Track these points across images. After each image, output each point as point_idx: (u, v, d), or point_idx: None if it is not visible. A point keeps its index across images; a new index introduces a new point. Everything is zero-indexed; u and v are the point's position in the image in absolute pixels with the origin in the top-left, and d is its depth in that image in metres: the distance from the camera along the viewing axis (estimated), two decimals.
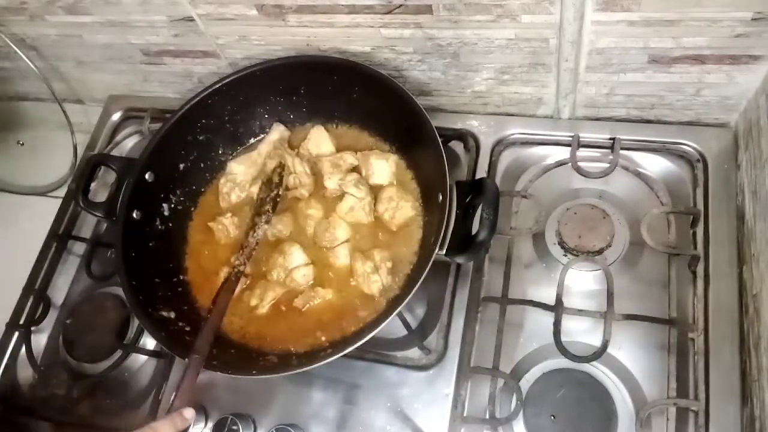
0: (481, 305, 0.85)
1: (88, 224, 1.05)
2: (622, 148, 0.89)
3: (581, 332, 0.81)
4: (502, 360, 0.80)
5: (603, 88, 0.87)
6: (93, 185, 0.96)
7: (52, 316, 0.99)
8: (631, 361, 0.79)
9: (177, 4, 0.88)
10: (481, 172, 0.92)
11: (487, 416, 0.79)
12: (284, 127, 0.95)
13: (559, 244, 0.87)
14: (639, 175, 0.89)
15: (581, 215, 0.87)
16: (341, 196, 0.87)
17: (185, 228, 0.92)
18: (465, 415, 0.79)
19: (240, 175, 0.92)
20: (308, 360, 0.71)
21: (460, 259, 0.80)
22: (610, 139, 0.90)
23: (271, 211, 0.77)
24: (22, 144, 1.23)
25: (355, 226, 0.86)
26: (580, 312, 0.79)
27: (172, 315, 0.81)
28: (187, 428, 0.63)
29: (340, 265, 0.84)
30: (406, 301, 0.70)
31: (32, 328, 0.99)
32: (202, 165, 0.94)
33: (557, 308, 0.79)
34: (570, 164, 0.90)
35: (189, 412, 0.64)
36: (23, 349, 0.97)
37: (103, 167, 0.94)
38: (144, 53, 1.01)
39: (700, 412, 0.73)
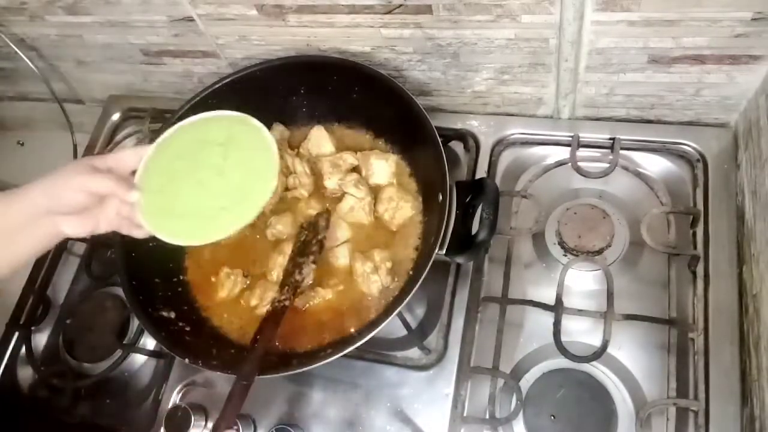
0: (481, 305, 0.85)
1: None
2: (622, 148, 0.89)
3: (581, 332, 0.81)
4: (502, 360, 0.80)
5: (603, 88, 0.87)
6: None
7: (52, 316, 0.99)
8: (631, 361, 0.79)
9: (177, 4, 0.88)
10: (481, 172, 0.92)
11: (487, 416, 0.79)
12: (284, 127, 0.95)
13: (559, 244, 0.87)
14: (639, 175, 0.89)
15: (581, 215, 0.87)
16: (341, 196, 0.87)
17: None
18: (465, 415, 0.79)
19: None
20: (308, 360, 0.71)
21: (460, 259, 0.80)
22: (610, 139, 0.90)
23: (318, 252, 0.80)
24: (22, 144, 1.23)
25: (354, 226, 0.86)
26: (580, 312, 0.79)
27: (172, 315, 0.81)
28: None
29: (339, 265, 0.84)
30: (406, 301, 0.70)
31: (32, 328, 0.99)
32: None
33: (557, 308, 0.79)
34: (570, 164, 0.90)
35: None
36: (23, 349, 0.97)
37: None
38: (144, 53, 1.01)
39: (700, 412, 0.73)
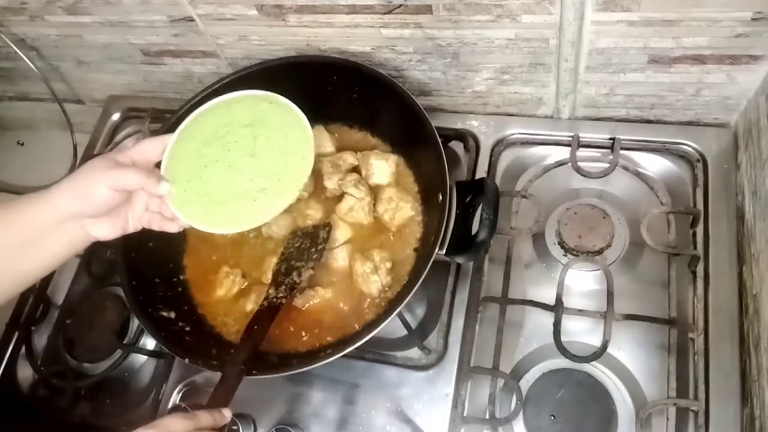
0: (481, 305, 0.85)
1: None
2: (622, 148, 0.89)
3: (581, 332, 0.81)
4: (502, 360, 0.80)
5: (603, 88, 0.87)
6: None
7: (52, 316, 0.99)
8: (631, 361, 0.79)
9: (177, 4, 0.88)
10: (481, 172, 0.92)
11: (487, 416, 0.79)
12: None
13: (559, 244, 0.87)
14: (639, 175, 0.89)
15: (581, 215, 0.87)
16: (341, 196, 0.87)
17: None
18: (465, 415, 0.79)
19: None
20: (308, 360, 0.71)
21: (460, 259, 0.80)
22: (610, 139, 0.90)
23: (319, 259, 0.80)
24: (22, 144, 1.24)
25: (354, 227, 0.86)
26: (580, 312, 0.79)
27: (172, 315, 0.81)
28: (224, 425, 0.64)
29: (339, 265, 0.84)
30: (406, 301, 0.70)
31: (32, 328, 0.99)
32: None
33: (557, 308, 0.79)
34: (570, 164, 0.90)
35: (227, 412, 0.65)
36: (23, 349, 0.97)
37: None
38: (144, 53, 1.01)
39: (700, 412, 0.73)
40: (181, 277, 0.88)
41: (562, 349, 0.76)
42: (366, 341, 0.69)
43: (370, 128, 0.93)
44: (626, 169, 0.89)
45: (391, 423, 0.79)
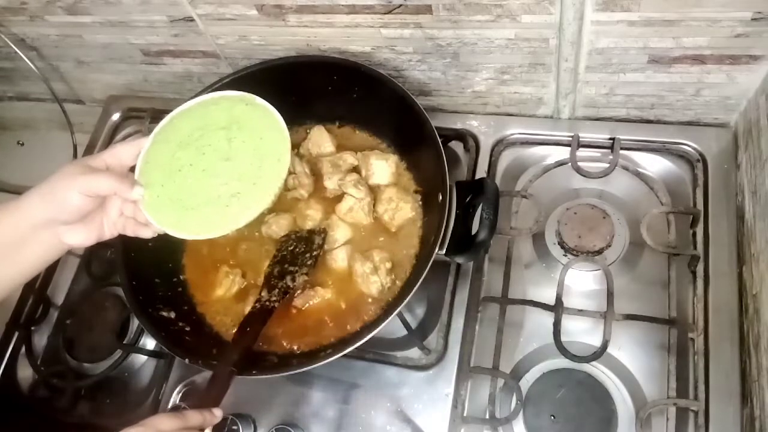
0: (481, 305, 0.85)
1: None
2: (622, 148, 0.89)
3: (581, 332, 0.81)
4: (502, 360, 0.80)
5: (603, 88, 0.87)
6: None
7: (52, 316, 0.99)
8: (631, 361, 0.79)
9: (177, 4, 0.88)
10: (481, 172, 0.92)
11: (487, 416, 0.79)
12: None
13: (559, 244, 0.87)
14: (639, 175, 0.89)
15: (581, 215, 0.87)
16: (341, 196, 0.87)
17: None
18: (465, 415, 0.79)
19: None
20: (308, 360, 0.71)
21: (460, 259, 0.80)
22: (610, 139, 0.90)
23: (313, 265, 0.80)
24: (22, 144, 1.24)
25: (354, 227, 0.86)
26: (580, 312, 0.79)
27: (172, 315, 0.81)
28: (223, 426, 0.64)
29: (339, 265, 0.84)
30: (406, 301, 0.70)
31: (32, 328, 0.99)
32: None
33: (557, 308, 0.79)
34: (570, 164, 0.90)
35: (218, 412, 0.64)
36: (23, 349, 0.97)
37: None
38: (144, 53, 1.01)
39: (700, 412, 0.73)
40: (181, 277, 0.88)
41: (562, 349, 0.76)
42: (366, 341, 0.69)
43: (370, 128, 0.93)
44: (626, 169, 0.89)
45: (391, 423, 0.79)
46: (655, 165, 0.90)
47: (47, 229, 0.62)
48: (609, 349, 0.76)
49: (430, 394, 0.80)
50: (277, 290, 0.78)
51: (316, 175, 0.90)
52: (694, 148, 0.88)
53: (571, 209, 0.88)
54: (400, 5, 0.79)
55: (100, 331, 0.94)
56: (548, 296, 0.81)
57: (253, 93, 0.72)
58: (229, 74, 0.89)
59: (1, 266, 0.62)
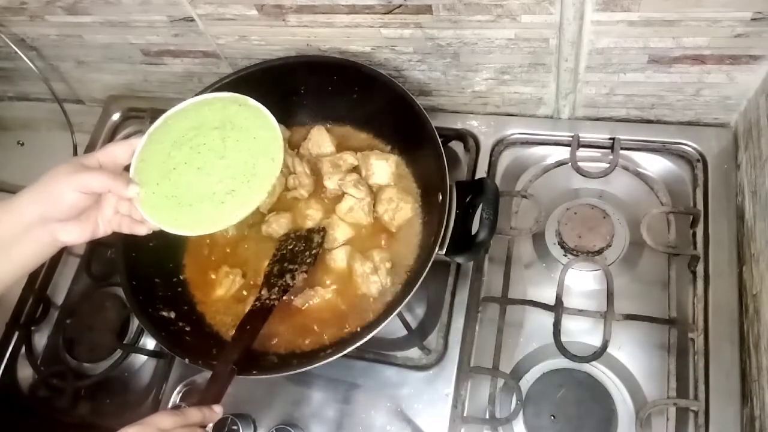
0: (481, 305, 0.85)
1: None
2: (622, 148, 0.89)
3: (581, 332, 0.81)
4: (502, 360, 0.80)
5: (603, 88, 0.87)
6: None
7: (52, 316, 0.99)
8: (631, 361, 0.79)
9: (177, 4, 0.88)
10: (481, 172, 0.92)
11: (487, 416, 0.79)
12: (284, 127, 0.95)
13: (559, 244, 0.87)
14: (639, 175, 0.89)
15: (581, 215, 0.87)
16: (341, 196, 0.87)
17: None
18: (465, 415, 0.79)
19: None
20: (308, 360, 0.71)
21: (460, 259, 0.80)
22: (610, 139, 0.90)
23: (313, 263, 0.80)
24: (22, 144, 1.23)
25: (354, 227, 0.86)
26: (580, 312, 0.79)
27: (172, 315, 0.81)
28: (214, 421, 0.64)
29: (339, 265, 0.84)
30: (406, 301, 0.70)
31: (32, 328, 0.99)
32: None
33: (557, 308, 0.79)
34: (570, 164, 0.90)
35: (218, 408, 0.65)
36: (23, 349, 0.97)
37: None
38: (144, 53, 1.01)
39: (700, 412, 0.73)
40: (181, 277, 0.88)
41: (562, 349, 0.76)
42: (366, 341, 0.69)
43: (370, 128, 0.93)
44: (626, 169, 0.90)
45: (391, 423, 0.79)
46: (655, 165, 0.90)
47: (41, 227, 0.62)
48: (609, 349, 0.76)
49: (430, 394, 0.80)
50: (276, 288, 0.78)
51: (316, 175, 0.90)
52: (694, 148, 0.88)
53: (571, 209, 0.88)
54: (400, 5, 0.79)
55: (100, 331, 0.94)
56: (548, 296, 0.81)
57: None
58: (229, 74, 0.89)
59: None
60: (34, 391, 0.95)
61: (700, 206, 0.84)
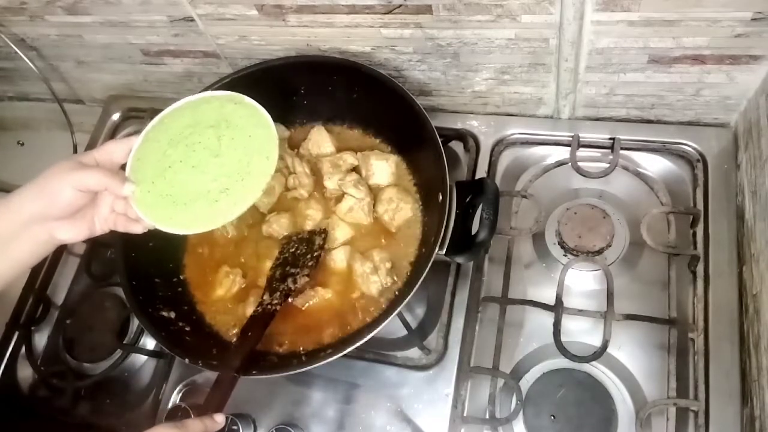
0: (481, 305, 0.85)
1: None
2: (622, 148, 0.89)
3: (581, 332, 0.81)
4: (502, 360, 0.80)
5: (603, 88, 0.87)
6: None
7: (52, 316, 0.99)
8: (631, 361, 0.79)
9: (177, 4, 0.88)
10: (481, 172, 0.92)
11: (487, 416, 0.79)
12: (284, 127, 0.95)
13: (559, 244, 0.87)
14: (639, 175, 0.89)
15: (581, 215, 0.87)
16: (341, 196, 0.87)
17: None
18: (465, 415, 0.79)
19: None
20: (308, 360, 0.71)
21: (460, 259, 0.80)
22: (610, 139, 0.90)
23: (315, 266, 0.80)
24: (22, 144, 1.23)
25: (354, 227, 0.86)
26: (580, 312, 0.79)
27: (172, 315, 0.81)
28: (216, 431, 0.63)
29: (339, 266, 0.84)
30: (406, 301, 0.70)
31: (32, 328, 0.99)
32: None
33: (557, 308, 0.79)
34: (570, 164, 0.90)
35: (220, 417, 0.64)
36: (23, 349, 0.97)
37: None
38: (144, 53, 1.01)
39: (700, 412, 0.73)
40: (181, 277, 0.88)
41: (562, 349, 0.76)
42: (366, 341, 0.69)
43: (370, 128, 0.93)
44: (626, 169, 0.89)
45: (391, 423, 0.79)
46: (655, 165, 0.90)
47: (38, 225, 0.63)
48: (609, 349, 0.76)
49: (430, 394, 0.80)
50: (278, 293, 0.78)
51: (316, 175, 0.90)
52: (694, 148, 0.88)
53: (571, 209, 0.88)
54: (400, 5, 0.79)
55: (100, 331, 0.94)
56: (548, 296, 0.81)
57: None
58: (229, 74, 0.89)
59: None
60: (34, 391, 0.95)
61: (700, 206, 0.84)
